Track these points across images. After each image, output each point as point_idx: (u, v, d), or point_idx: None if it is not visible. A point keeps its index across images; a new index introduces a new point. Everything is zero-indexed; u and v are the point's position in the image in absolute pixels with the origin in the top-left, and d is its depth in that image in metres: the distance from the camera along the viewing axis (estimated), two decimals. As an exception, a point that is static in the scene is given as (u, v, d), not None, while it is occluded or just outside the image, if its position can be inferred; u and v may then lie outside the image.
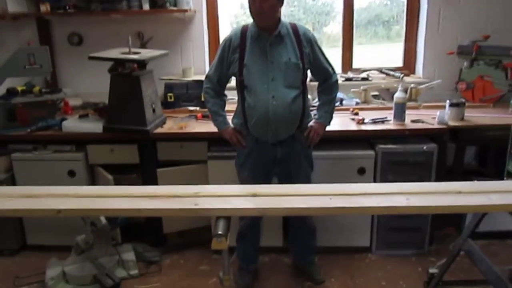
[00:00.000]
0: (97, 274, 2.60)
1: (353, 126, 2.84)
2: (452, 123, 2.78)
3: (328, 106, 2.44)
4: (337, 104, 3.29)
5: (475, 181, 1.88)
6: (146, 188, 1.85)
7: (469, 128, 2.78)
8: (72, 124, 2.88)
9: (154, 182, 2.86)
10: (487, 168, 3.59)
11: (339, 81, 2.61)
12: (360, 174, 2.76)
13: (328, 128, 2.54)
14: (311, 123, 2.44)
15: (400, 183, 1.81)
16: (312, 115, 2.52)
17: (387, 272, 2.73)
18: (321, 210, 1.65)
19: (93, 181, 2.99)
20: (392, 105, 2.90)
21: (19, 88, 2.91)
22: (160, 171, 2.86)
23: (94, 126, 2.83)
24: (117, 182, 2.88)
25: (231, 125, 2.45)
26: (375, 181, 2.78)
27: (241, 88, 2.32)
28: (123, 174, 2.99)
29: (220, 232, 1.55)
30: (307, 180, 2.47)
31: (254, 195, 1.73)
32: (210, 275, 2.74)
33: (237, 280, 2.61)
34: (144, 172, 2.92)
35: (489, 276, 1.95)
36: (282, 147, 2.36)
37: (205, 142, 2.85)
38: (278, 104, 2.24)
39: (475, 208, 1.63)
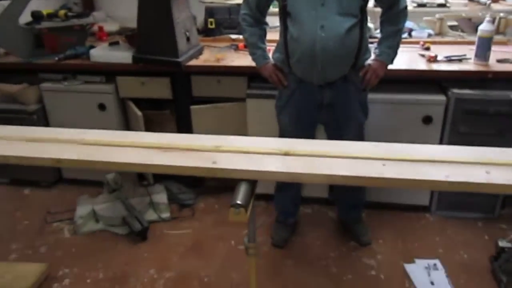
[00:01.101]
0: (126, 216, 2.46)
1: (422, 65, 2.34)
2: (551, 65, 2.21)
3: (393, 40, 1.97)
4: (405, 35, 2.77)
5: None
6: (161, 137, 1.56)
7: None
8: (100, 53, 2.62)
9: (188, 120, 2.59)
10: None
11: (409, 7, 2.09)
12: (426, 124, 2.31)
13: (391, 66, 2.08)
14: (369, 61, 2.00)
15: (479, 148, 1.40)
16: (373, 50, 2.05)
17: (447, 237, 2.36)
18: (369, 181, 1.29)
19: (125, 116, 2.78)
20: (474, 39, 2.35)
21: (45, 12, 2.64)
22: (194, 108, 2.57)
23: (124, 55, 2.55)
24: (149, 119, 2.65)
25: (272, 60, 2.07)
26: (443, 133, 2.33)
27: (283, 15, 1.89)
28: (156, 110, 2.75)
29: (238, 202, 1.26)
30: (360, 131, 2.09)
31: (287, 154, 1.40)
32: (245, 225, 2.51)
33: (273, 234, 2.37)
34: (178, 109, 2.65)
35: None
36: (331, 89, 1.96)
37: (245, 78, 2.50)
38: (327, 36, 1.80)
39: None
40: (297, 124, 2.06)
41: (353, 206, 2.38)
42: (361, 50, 1.90)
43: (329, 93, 1.96)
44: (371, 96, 2.16)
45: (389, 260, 2.21)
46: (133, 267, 2.24)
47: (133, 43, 2.60)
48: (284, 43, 1.93)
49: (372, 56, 2.02)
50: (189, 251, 2.34)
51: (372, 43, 2.22)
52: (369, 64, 1.97)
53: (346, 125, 2.03)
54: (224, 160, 1.38)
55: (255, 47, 2.06)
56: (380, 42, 2.01)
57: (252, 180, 1.36)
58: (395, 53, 1.99)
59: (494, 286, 2.01)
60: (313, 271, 2.17)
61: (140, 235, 2.41)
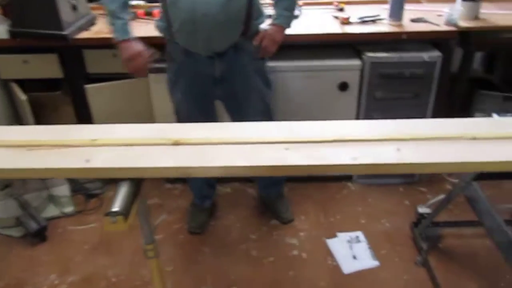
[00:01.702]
0: (21, 215, 2.16)
1: (336, 27, 2.19)
2: (463, 23, 2.14)
3: (289, 0, 1.76)
4: (319, -4, 2.60)
5: (495, 116, 1.34)
6: (26, 131, 1.29)
7: (484, 30, 2.15)
8: (-31, 27, 2.20)
9: (84, 102, 2.28)
10: (495, 75, 3.03)
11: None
12: (342, 90, 2.19)
13: (302, 31, 1.91)
14: (264, 26, 1.77)
15: (390, 122, 1.26)
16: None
17: (368, 206, 2.31)
18: (271, 170, 1.12)
19: (10, 101, 2.40)
20: (388, -2, 2.23)
21: None
22: (90, 87, 2.25)
23: (-2, 29, 2.16)
24: (39, 102, 2.31)
25: (132, 35, 1.71)
26: (359, 99, 2.22)
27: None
28: (47, 91, 2.40)
29: (115, 209, 1.04)
30: (264, 105, 1.88)
31: (177, 143, 1.19)
32: (160, 211, 2.31)
33: (189, 220, 2.19)
34: (71, 89, 2.32)
35: (496, 237, 1.50)
36: (222, 61, 1.72)
37: (145, 50, 2.22)
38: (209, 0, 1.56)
39: (498, 166, 1.12)
40: (192, 101, 1.83)
41: (274, 182, 2.24)
42: (252, 14, 1.66)
43: (220, 65, 1.72)
44: (281, 63, 1.99)
45: (312, 237, 2.12)
46: (30, 273, 1.97)
47: (8, 14, 2.21)
48: (164, 9, 1.67)
49: (268, 20, 1.79)
50: (95, 249, 2.10)
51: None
52: (265, 30, 1.75)
53: (246, 100, 1.82)
54: (100, 156, 1.14)
55: (114, 16, 1.68)
56: (275, 4, 1.78)
57: (136, 179, 1.14)
58: (293, 15, 1.79)
59: (415, 254, 1.98)
60: (232, 257, 2.02)
61: (38, 235, 2.13)
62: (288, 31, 1.99)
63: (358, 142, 1.17)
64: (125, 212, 1.06)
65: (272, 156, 1.12)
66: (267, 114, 1.89)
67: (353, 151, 1.13)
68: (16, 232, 2.18)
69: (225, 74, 1.73)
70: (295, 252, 2.03)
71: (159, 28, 1.76)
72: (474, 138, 1.16)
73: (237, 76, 1.75)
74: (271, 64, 2.03)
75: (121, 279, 1.92)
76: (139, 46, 1.69)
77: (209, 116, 1.89)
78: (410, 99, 2.21)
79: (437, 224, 2.04)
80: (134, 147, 1.18)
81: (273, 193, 2.25)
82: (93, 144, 1.20)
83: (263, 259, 2.00)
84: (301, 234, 2.14)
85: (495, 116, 1.32)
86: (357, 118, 2.26)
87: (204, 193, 2.20)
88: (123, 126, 1.30)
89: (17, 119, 2.40)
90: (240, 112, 1.81)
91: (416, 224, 2.06)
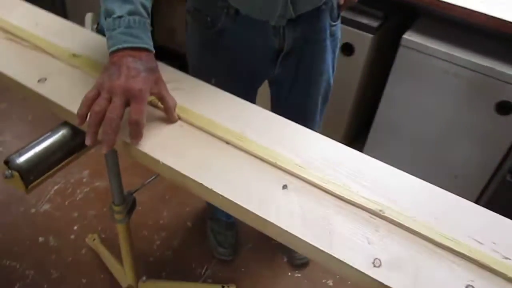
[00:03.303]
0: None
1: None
2: None
3: None
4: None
5: None
6: None
7: None
8: None
9: None
10: None
11: None
12: (501, 113, 1.48)
13: (483, 9, 1.26)
14: None
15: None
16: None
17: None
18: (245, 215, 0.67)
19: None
20: None
21: None
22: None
23: None
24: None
25: (150, 41, 0.71)
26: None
27: None
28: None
29: (18, 161, 0.71)
30: (325, 93, 1.19)
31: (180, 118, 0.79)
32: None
33: (215, 245, 1.63)
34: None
35: None
36: (297, 27, 1.00)
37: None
38: None
39: None
40: (233, 87, 0.90)
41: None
42: None
43: (293, 34, 1.01)
44: (419, 41, 1.38)
45: None
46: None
47: None
48: None
49: None
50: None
51: None
52: None
53: (308, 82, 1.13)
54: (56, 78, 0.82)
55: None
56: None
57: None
58: None
59: None
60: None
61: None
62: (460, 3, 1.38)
63: (406, 234, 0.63)
64: (29, 172, 0.71)
65: (257, 194, 0.65)
66: (323, 105, 1.23)
67: (384, 248, 0.61)
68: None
69: (296, 45, 1.04)
70: (330, 283, 1.57)
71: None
72: None
73: (310, 47, 1.05)
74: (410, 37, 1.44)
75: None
76: (153, 75, 0.70)
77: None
78: None
79: None
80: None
81: None
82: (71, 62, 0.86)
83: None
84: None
85: None
86: (501, 162, 1.54)
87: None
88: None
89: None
90: (297, 102, 1.16)
91: None
